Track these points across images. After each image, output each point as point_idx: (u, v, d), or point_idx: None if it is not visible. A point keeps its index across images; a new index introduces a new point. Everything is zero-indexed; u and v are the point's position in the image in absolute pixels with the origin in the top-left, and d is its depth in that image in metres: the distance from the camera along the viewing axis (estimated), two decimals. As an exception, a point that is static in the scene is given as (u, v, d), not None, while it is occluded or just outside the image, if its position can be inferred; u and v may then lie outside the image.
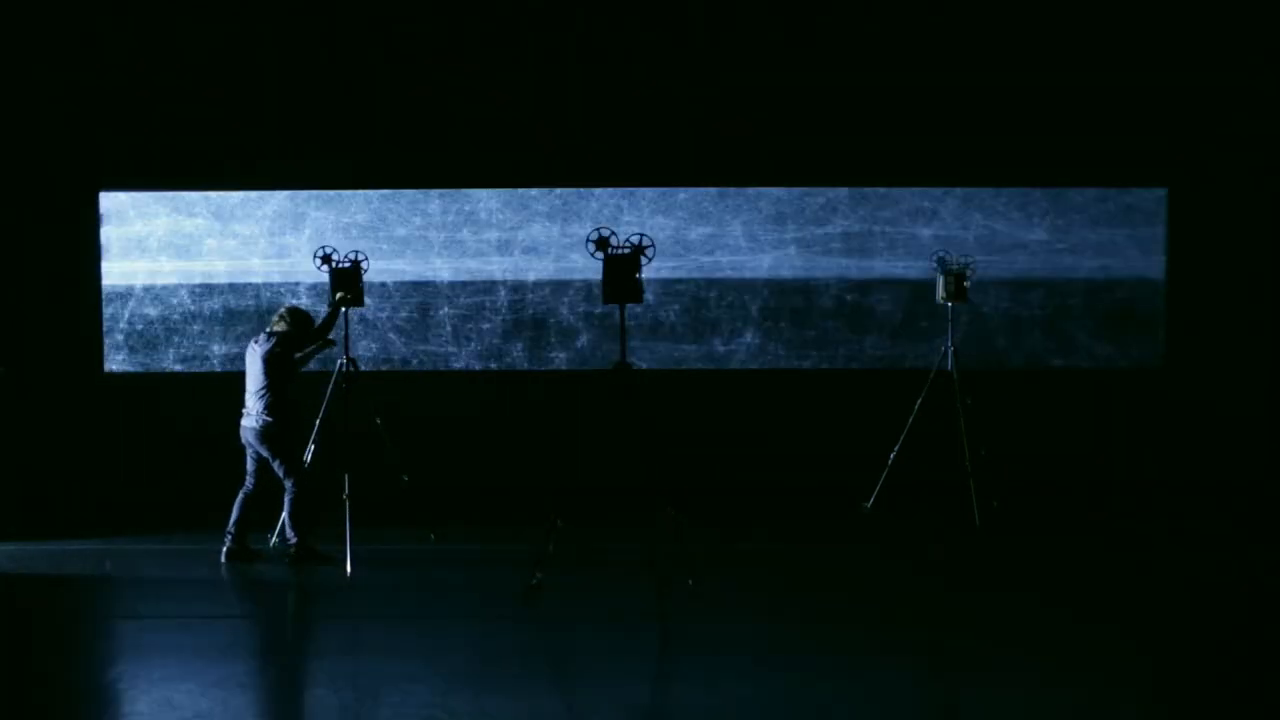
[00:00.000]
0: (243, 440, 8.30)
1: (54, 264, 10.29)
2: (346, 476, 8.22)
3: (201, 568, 8.29)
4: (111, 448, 10.26)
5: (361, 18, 10.21)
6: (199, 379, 10.34)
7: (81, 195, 10.30)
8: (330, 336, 8.49)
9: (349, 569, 8.03)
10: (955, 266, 9.27)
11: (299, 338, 8.31)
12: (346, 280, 8.46)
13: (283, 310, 8.41)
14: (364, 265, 8.53)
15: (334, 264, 8.49)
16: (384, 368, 10.35)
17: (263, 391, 8.19)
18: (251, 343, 8.36)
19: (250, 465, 8.35)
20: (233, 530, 8.33)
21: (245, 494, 8.37)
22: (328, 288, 8.56)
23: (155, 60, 10.18)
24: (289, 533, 8.27)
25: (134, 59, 10.16)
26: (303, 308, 8.59)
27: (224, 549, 8.33)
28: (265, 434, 8.17)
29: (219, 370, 10.31)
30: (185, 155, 10.22)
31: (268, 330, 8.35)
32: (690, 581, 7.58)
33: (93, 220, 10.30)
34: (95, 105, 10.20)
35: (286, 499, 8.25)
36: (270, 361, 8.18)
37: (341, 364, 8.52)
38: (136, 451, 10.26)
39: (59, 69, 10.17)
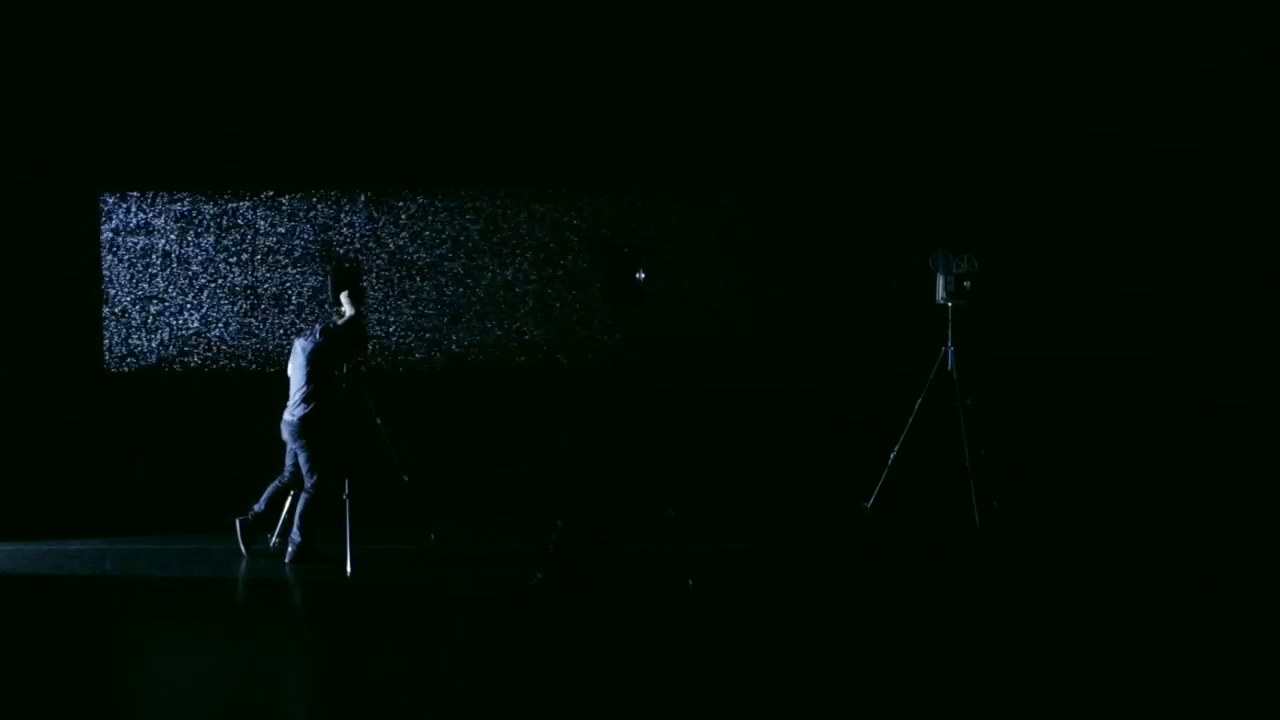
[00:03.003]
0: (282, 435, 8.32)
1: (54, 263, 10.29)
2: (346, 477, 8.21)
3: (202, 567, 8.29)
4: (112, 447, 10.25)
5: (362, 19, 10.21)
6: (201, 377, 10.34)
7: (82, 194, 10.29)
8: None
9: (349, 568, 8.02)
10: (956, 266, 9.27)
11: (344, 338, 8.32)
12: (348, 279, 8.46)
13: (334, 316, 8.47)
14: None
15: (336, 263, 8.51)
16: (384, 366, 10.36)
17: (304, 387, 8.21)
18: (297, 340, 8.39)
19: (288, 460, 8.37)
20: (256, 508, 8.38)
21: (280, 483, 8.40)
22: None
23: (156, 60, 10.17)
24: (294, 532, 8.26)
25: (134, 59, 10.15)
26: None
27: (241, 516, 8.36)
28: (301, 427, 8.17)
29: (222, 369, 10.32)
30: (186, 155, 10.22)
31: (320, 326, 8.35)
32: (690, 581, 7.59)
33: (93, 219, 10.29)
34: (95, 105, 10.19)
35: (303, 497, 8.24)
36: (313, 357, 8.20)
37: (342, 366, 8.51)
38: (138, 451, 10.26)
39: (59, 68, 10.17)
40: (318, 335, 8.28)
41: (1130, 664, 6.47)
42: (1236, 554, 8.63)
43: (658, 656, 6.66)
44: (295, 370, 8.30)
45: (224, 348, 10.37)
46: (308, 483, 8.22)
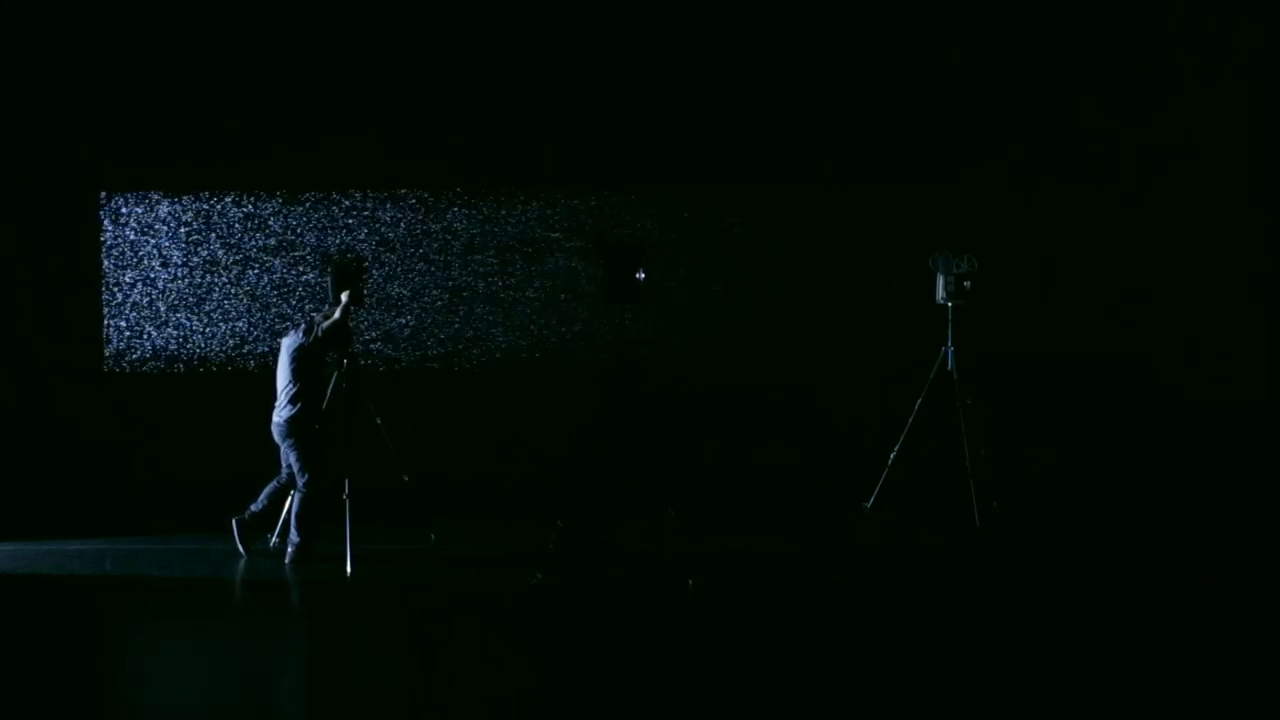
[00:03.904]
0: (274, 438, 8.31)
1: (54, 263, 10.29)
2: (346, 477, 8.21)
3: (202, 567, 8.29)
4: (112, 447, 10.25)
5: (362, 19, 10.21)
6: (200, 378, 10.34)
7: (82, 194, 10.29)
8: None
9: (349, 569, 8.02)
10: (956, 267, 9.26)
11: (329, 337, 8.29)
12: (349, 278, 8.45)
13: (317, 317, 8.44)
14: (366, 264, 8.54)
15: (336, 262, 8.50)
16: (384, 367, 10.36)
17: (290, 386, 8.20)
18: (283, 340, 8.38)
19: (283, 460, 8.36)
20: (253, 508, 8.38)
21: (278, 483, 8.39)
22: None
23: (156, 60, 10.17)
24: (292, 532, 8.26)
25: (134, 59, 10.15)
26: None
27: (238, 516, 8.36)
28: (289, 427, 8.17)
29: (222, 368, 10.32)
30: (186, 155, 10.22)
31: (304, 325, 8.34)
32: (690, 581, 7.59)
33: (93, 219, 10.30)
34: (96, 105, 10.19)
35: (296, 497, 8.24)
36: (299, 355, 8.19)
37: (342, 362, 8.51)
38: (138, 451, 10.26)
39: (60, 68, 10.17)
40: (301, 335, 8.28)
41: (1130, 664, 6.46)
42: (1236, 554, 8.63)
43: (657, 656, 6.66)
44: (281, 370, 8.29)
45: (224, 347, 10.37)
46: (299, 482, 8.21)
